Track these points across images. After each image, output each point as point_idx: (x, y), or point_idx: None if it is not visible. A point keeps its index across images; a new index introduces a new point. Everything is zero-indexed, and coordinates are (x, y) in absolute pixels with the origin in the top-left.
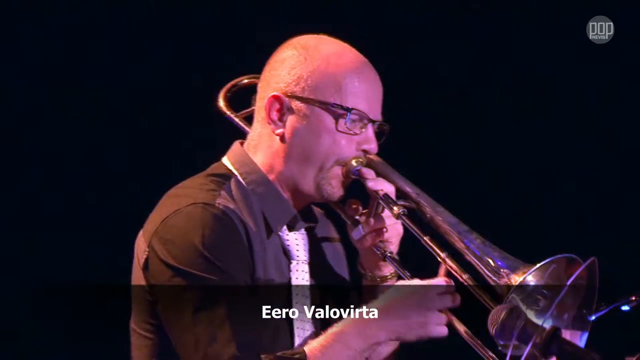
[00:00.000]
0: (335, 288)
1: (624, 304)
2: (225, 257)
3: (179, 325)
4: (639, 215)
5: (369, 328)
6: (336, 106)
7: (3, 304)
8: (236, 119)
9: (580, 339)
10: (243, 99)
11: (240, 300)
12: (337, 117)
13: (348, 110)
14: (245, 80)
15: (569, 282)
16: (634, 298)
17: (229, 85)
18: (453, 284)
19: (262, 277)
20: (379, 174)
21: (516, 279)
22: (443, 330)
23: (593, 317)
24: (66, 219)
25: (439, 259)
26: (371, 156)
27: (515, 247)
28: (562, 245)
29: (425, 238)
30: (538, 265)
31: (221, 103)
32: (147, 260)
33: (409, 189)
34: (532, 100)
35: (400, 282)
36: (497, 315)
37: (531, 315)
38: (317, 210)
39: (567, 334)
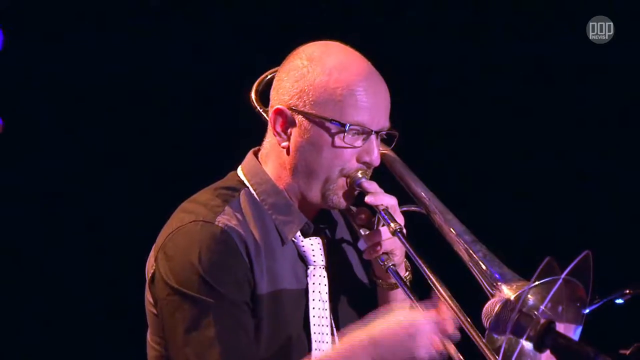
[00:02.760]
0: (355, 291)
1: (618, 298)
2: (220, 277)
3: (173, 343)
4: (634, 208)
5: (357, 355)
6: (334, 122)
7: None
8: (264, 115)
9: (574, 332)
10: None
11: (233, 322)
12: (335, 133)
13: (345, 125)
14: (269, 74)
15: (562, 276)
16: (628, 291)
17: (260, 78)
18: (447, 318)
19: (270, 290)
20: (394, 172)
21: (509, 294)
22: (431, 356)
23: (587, 311)
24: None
25: (429, 282)
26: (387, 153)
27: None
28: (558, 238)
29: (418, 259)
30: (530, 285)
31: (253, 97)
32: (153, 274)
33: (422, 193)
34: (531, 100)
35: (396, 311)
36: (491, 308)
37: (525, 308)
38: (335, 213)
39: (561, 327)
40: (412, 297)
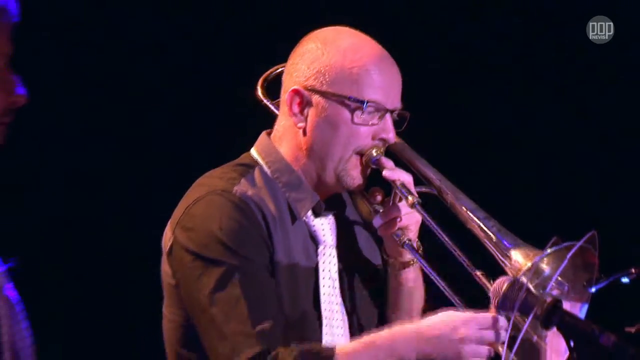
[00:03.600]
0: (364, 270)
1: (623, 276)
2: (242, 241)
3: (198, 307)
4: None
5: (401, 347)
6: (352, 99)
7: None
8: (272, 107)
9: (580, 311)
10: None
11: (257, 282)
12: (353, 110)
13: (363, 102)
14: (281, 69)
15: (568, 255)
16: (633, 270)
17: (266, 73)
18: (501, 321)
19: (285, 261)
20: (404, 159)
21: (524, 263)
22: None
23: (593, 290)
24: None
25: (450, 249)
26: (397, 141)
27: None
28: (564, 218)
29: (437, 227)
30: (540, 256)
31: (259, 91)
32: (171, 247)
33: (431, 174)
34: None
35: (446, 311)
36: (499, 287)
37: (533, 287)
38: (345, 196)
39: (567, 306)
40: (430, 270)
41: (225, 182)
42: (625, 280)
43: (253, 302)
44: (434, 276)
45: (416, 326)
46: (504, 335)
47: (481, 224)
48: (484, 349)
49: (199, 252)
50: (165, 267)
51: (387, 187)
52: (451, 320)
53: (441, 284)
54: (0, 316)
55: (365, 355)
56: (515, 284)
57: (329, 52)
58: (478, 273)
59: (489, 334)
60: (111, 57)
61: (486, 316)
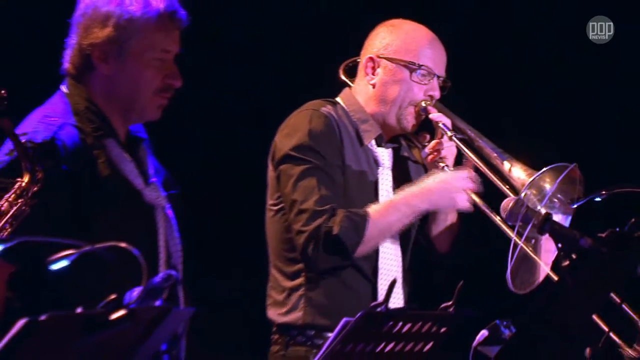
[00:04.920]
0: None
1: (596, 197)
2: (322, 145)
3: (285, 191)
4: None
5: (414, 199)
6: (411, 63)
7: None
8: (347, 81)
9: (566, 221)
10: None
11: (329, 177)
12: (411, 71)
13: (419, 66)
14: (357, 59)
15: (558, 180)
16: (603, 192)
17: (345, 62)
18: (474, 173)
19: (354, 166)
20: (444, 114)
21: (526, 180)
22: (467, 205)
23: (574, 206)
24: None
25: (470, 158)
26: (439, 105)
27: None
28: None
29: (465, 149)
30: (539, 172)
31: (341, 72)
32: (274, 150)
33: (462, 125)
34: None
35: (441, 172)
36: (506, 204)
37: (532, 204)
38: (404, 140)
39: (557, 218)
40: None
41: (315, 105)
42: (598, 199)
43: (324, 192)
44: (482, 205)
45: (422, 184)
46: (479, 184)
47: (497, 156)
48: (467, 196)
49: (289, 151)
50: (270, 165)
51: (432, 133)
52: (445, 176)
53: (481, 205)
54: (159, 226)
55: (389, 209)
56: (518, 202)
57: (396, 31)
58: (489, 173)
59: (470, 184)
60: None
61: (464, 172)
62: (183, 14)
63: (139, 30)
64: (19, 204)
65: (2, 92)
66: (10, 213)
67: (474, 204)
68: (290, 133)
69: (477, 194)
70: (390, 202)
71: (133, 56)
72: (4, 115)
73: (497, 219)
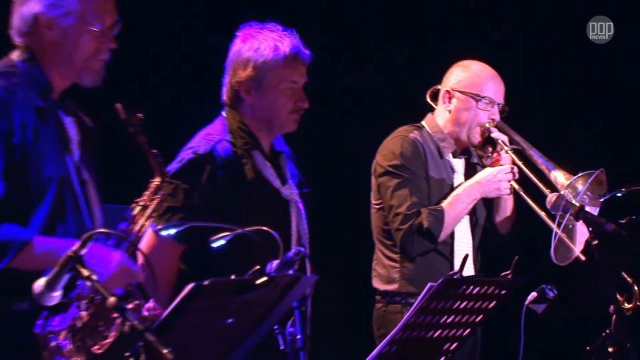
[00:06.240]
0: None
1: (618, 193)
2: (411, 161)
3: (385, 198)
4: None
5: (471, 190)
6: (477, 95)
7: None
8: (433, 104)
9: (595, 211)
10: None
11: (417, 187)
12: (477, 101)
13: (483, 97)
14: (438, 87)
15: (589, 181)
16: (624, 189)
17: (432, 88)
18: (515, 169)
19: (436, 177)
20: (501, 131)
21: (563, 182)
22: (508, 192)
23: (601, 200)
24: None
25: (518, 166)
26: (500, 123)
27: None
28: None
29: (516, 158)
30: (574, 177)
31: (428, 98)
32: (375, 167)
33: (517, 137)
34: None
35: (485, 169)
36: (550, 198)
37: (569, 199)
38: (472, 150)
39: (588, 209)
40: (518, 188)
41: (405, 131)
42: (619, 194)
43: (413, 199)
44: (521, 192)
45: (475, 179)
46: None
47: (542, 162)
48: (509, 185)
49: (386, 166)
50: (373, 178)
51: (494, 145)
52: (491, 171)
53: (520, 191)
54: (292, 216)
55: (456, 201)
56: (560, 197)
57: (465, 70)
58: (531, 175)
59: (510, 175)
60: None
61: (507, 167)
62: (306, 53)
63: (271, 69)
64: (156, 199)
65: (139, 115)
66: (152, 207)
67: (515, 191)
68: (387, 155)
69: (517, 182)
70: (456, 196)
71: (269, 88)
72: (140, 134)
73: (533, 204)
